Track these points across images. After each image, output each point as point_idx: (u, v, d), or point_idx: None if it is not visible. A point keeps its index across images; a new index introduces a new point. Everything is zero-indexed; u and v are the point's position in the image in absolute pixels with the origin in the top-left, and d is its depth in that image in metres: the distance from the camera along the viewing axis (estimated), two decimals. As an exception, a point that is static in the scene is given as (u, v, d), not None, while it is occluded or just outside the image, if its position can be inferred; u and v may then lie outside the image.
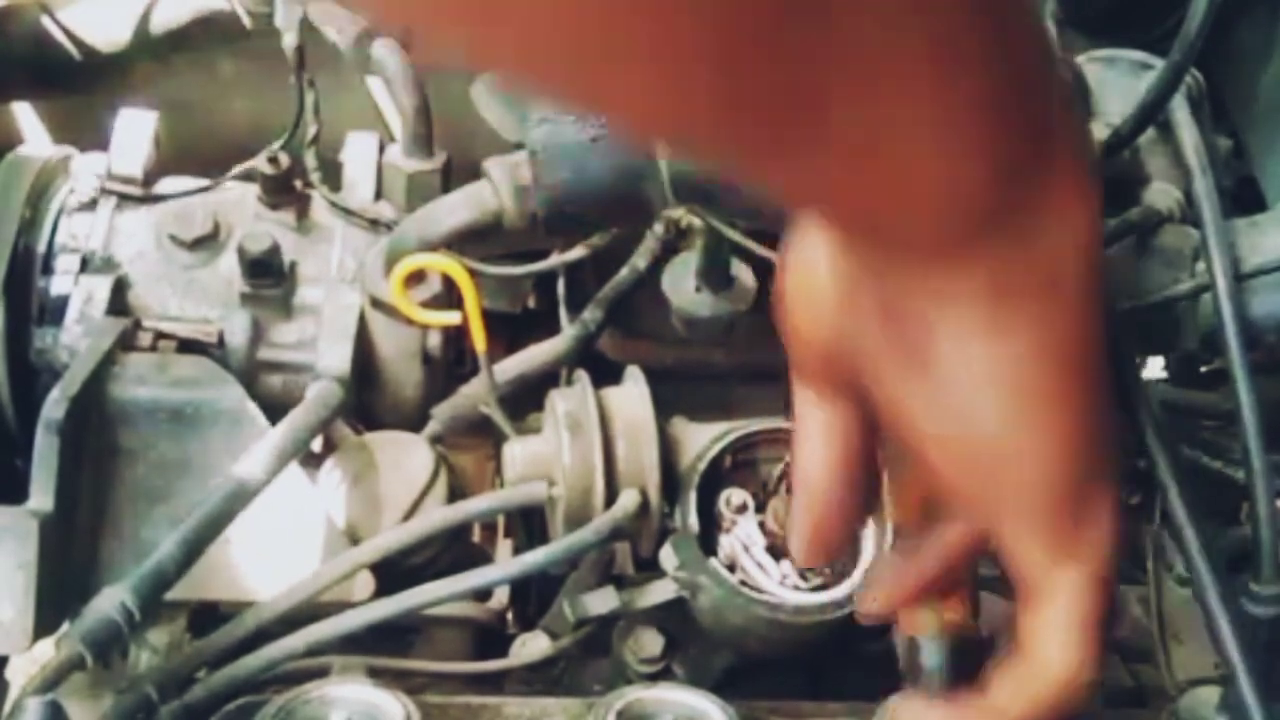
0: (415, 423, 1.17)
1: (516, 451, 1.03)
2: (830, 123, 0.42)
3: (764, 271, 1.25)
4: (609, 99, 0.41)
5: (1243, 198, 1.07)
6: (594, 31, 0.36)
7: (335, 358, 1.13)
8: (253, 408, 1.05)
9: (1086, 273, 0.51)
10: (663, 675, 0.98)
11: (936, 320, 0.51)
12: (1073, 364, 0.52)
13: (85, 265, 1.16)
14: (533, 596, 1.13)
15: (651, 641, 0.99)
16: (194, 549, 0.93)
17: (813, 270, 0.58)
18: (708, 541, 0.94)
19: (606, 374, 1.06)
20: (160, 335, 1.11)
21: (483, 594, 1.06)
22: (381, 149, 1.26)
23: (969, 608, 0.71)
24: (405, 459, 1.09)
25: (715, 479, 0.97)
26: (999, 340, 0.51)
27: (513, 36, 0.37)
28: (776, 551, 0.94)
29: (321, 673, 0.91)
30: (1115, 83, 1.06)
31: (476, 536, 1.20)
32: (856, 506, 0.64)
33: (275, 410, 1.06)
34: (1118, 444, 0.58)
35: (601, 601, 0.97)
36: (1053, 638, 0.58)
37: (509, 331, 1.31)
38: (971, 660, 0.68)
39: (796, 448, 0.64)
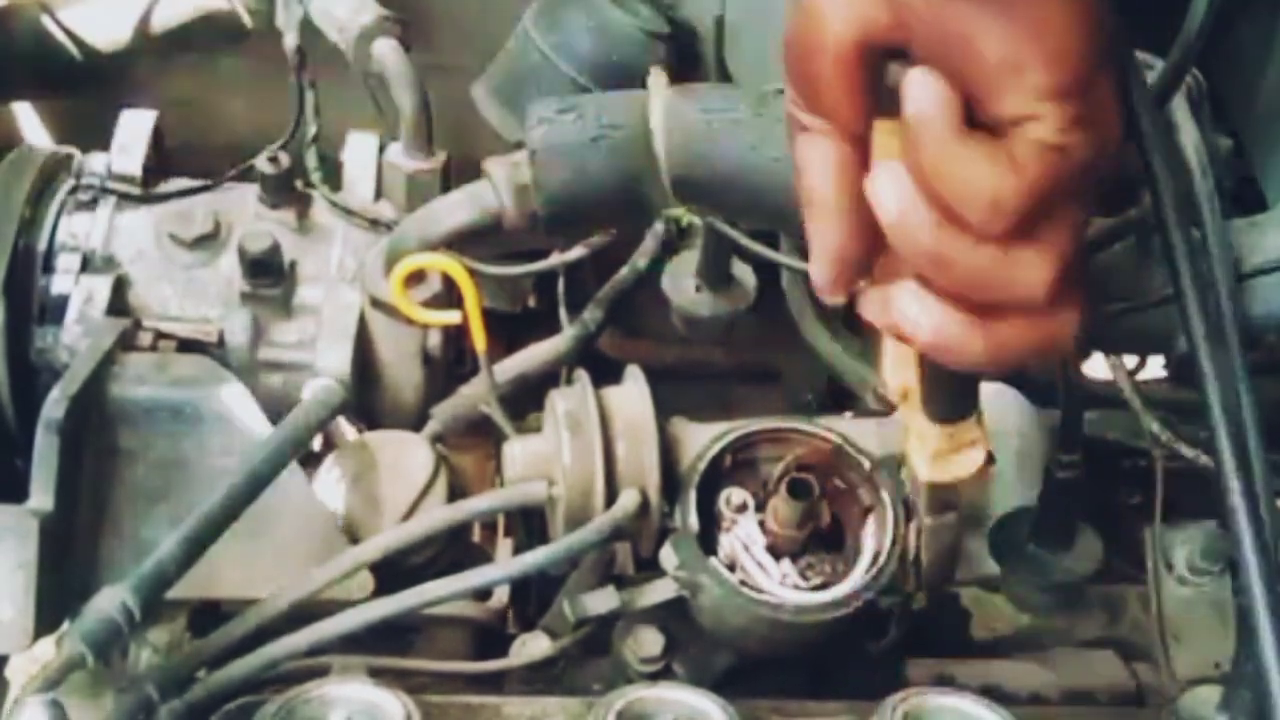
0: (415, 422, 1.17)
1: (516, 451, 1.03)
2: None
3: (764, 271, 1.26)
4: None
5: (1243, 198, 1.07)
6: None
7: (335, 357, 1.13)
8: (253, 408, 1.05)
9: None
10: (663, 675, 0.98)
11: None
12: None
13: (85, 265, 1.16)
14: (533, 596, 1.13)
15: (651, 641, 0.99)
16: (194, 549, 0.93)
17: None
18: (708, 541, 0.94)
19: (606, 374, 1.07)
20: (160, 335, 1.11)
21: (483, 594, 1.06)
22: (381, 149, 1.26)
23: None
24: (405, 459, 1.09)
25: (715, 479, 0.96)
26: None
27: None
28: (776, 551, 0.94)
29: (321, 673, 0.91)
30: (1115, 83, 1.06)
31: (476, 536, 1.20)
32: (870, 227, 0.62)
33: (275, 410, 1.06)
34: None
35: (601, 601, 0.97)
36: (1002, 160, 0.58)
37: (509, 331, 1.31)
38: None
39: (804, 176, 0.63)
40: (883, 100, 0.62)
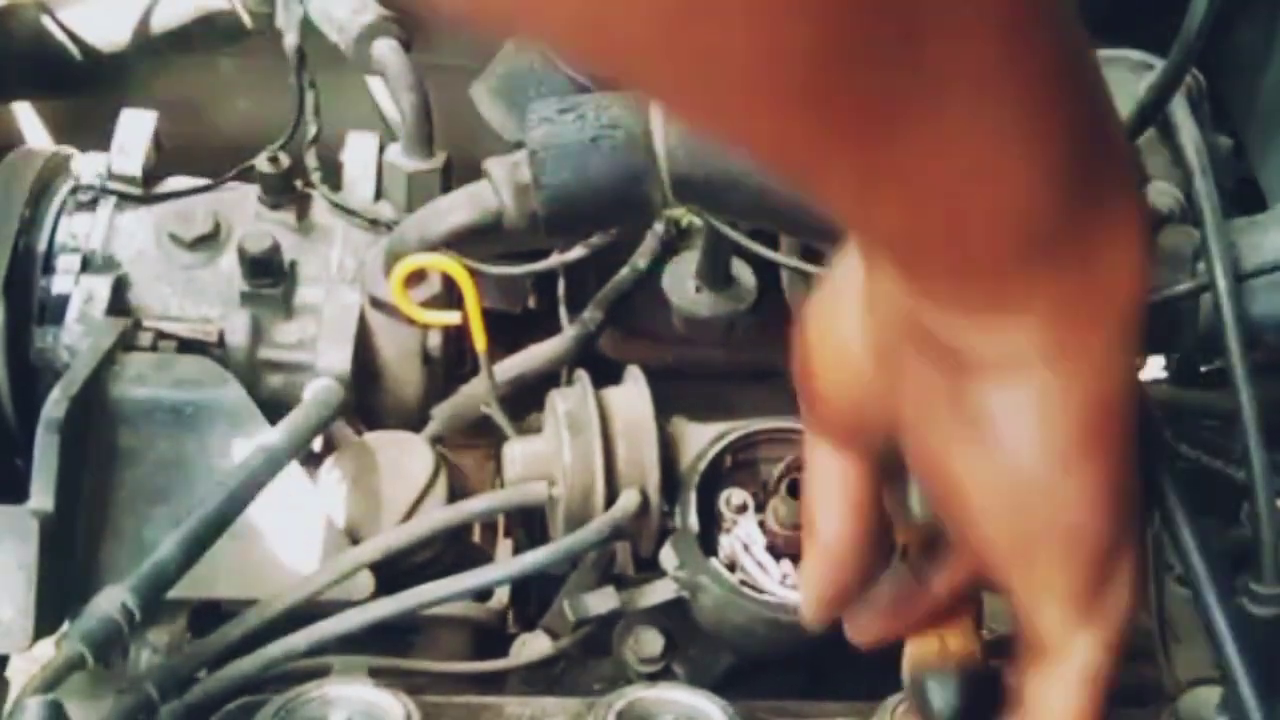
0: (415, 423, 1.17)
1: (516, 451, 1.03)
2: (904, 130, 0.42)
3: (764, 271, 1.25)
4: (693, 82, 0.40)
5: (1243, 198, 1.07)
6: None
7: (335, 358, 1.13)
8: (253, 408, 1.05)
9: (1137, 307, 0.50)
10: (663, 675, 0.98)
11: (989, 370, 0.50)
12: (1121, 415, 0.51)
13: (86, 265, 1.16)
14: (533, 596, 1.13)
15: (651, 641, 0.99)
16: (194, 549, 0.93)
17: (841, 322, 0.56)
18: (708, 541, 0.94)
19: (606, 374, 1.06)
20: (160, 335, 1.11)
21: (483, 594, 1.06)
22: (381, 149, 1.26)
23: (974, 634, 0.68)
24: (405, 459, 1.09)
25: (715, 479, 0.96)
26: (1055, 388, 0.50)
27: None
28: (776, 551, 0.94)
29: (321, 673, 0.91)
30: (1115, 83, 1.06)
31: (476, 536, 1.20)
32: (874, 563, 0.62)
33: (275, 410, 1.06)
34: (1142, 503, 0.56)
35: (601, 601, 0.97)
36: (1058, 699, 0.57)
37: (509, 331, 1.31)
38: (979, 692, 0.67)
39: (812, 505, 0.62)
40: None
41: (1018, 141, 0.44)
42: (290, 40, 1.27)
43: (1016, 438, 0.50)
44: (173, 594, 0.93)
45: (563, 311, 1.26)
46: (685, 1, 0.36)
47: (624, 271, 1.26)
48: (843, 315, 0.56)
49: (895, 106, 0.41)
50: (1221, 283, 0.89)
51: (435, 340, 1.18)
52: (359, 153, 1.28)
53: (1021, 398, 0.50)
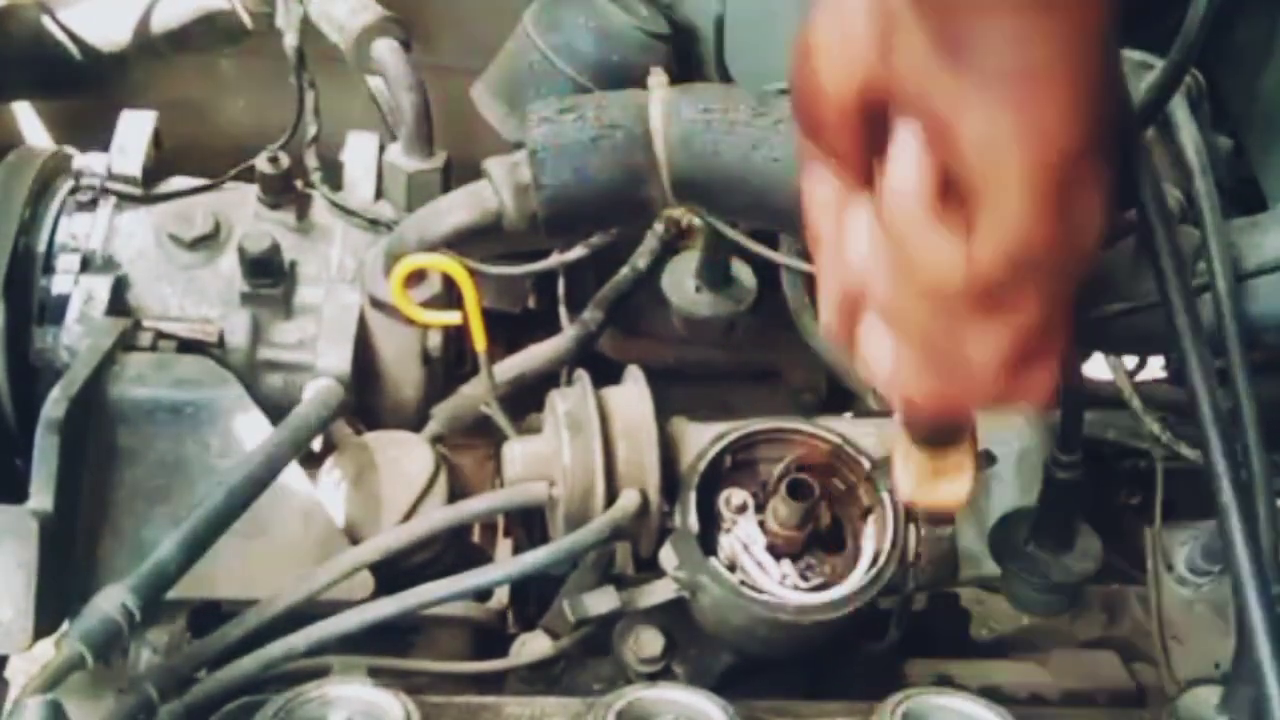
0: (415, 423, 1.17)
1: (516, 451, 1.03)
2: None
3: (764, 271, 1.26)
4: None
5: (1243, 198, 1.07)
6: None
7: (335, 358, 1.13)
8: (253, 408, 1.05)
9: None
10: (663, 675, 0.98)
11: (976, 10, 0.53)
12: (1088, 45, 0.56)
13: (85, 265, 1.16)
14: (533, 596, 1.13)
15: (651, 641, 0.99)
16: (194, 548, 0.93)
17: (848, 11, 0.59)
18: (708, 541, 0.94)
19: (606, 374, 1.07)
20: (160, 335, 1.11)
21: (483, 594, 1.06)
22: (381, 149, 1.26)
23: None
24: (405, 459, 1.09)
25: (715, 479, 0.96)
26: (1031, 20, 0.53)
27: None
28: (776, 552, 0.94)
29: (321, 673, 0.91)
30: (1115, 83, 1.06)
31: (476, 537, 1.20)
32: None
33: (275, 410, 1.06)
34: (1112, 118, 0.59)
35: (601, 601, 0.97)
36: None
37: (509, 331, 1.31)
38: None
39: (809, 211, 0.64)
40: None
41: None
42: (290, 40, 1.27)
43: (998, 59, 0.54)
44: (173, 594, 0.93)
45: (563, 311, 1.26)
46: None
47: (624, 271, 1.26)
48: (849, 8, 0.59)
49: None
50: (1221, 283, 0.89)
51: (435, 340, 1.18)
52: (359, 153, 1.28)
53: (999, 26, 0.54)
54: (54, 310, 1.13)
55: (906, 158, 0.58)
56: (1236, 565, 0.72)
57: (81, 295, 1.13)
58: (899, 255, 0.59)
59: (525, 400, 1.14)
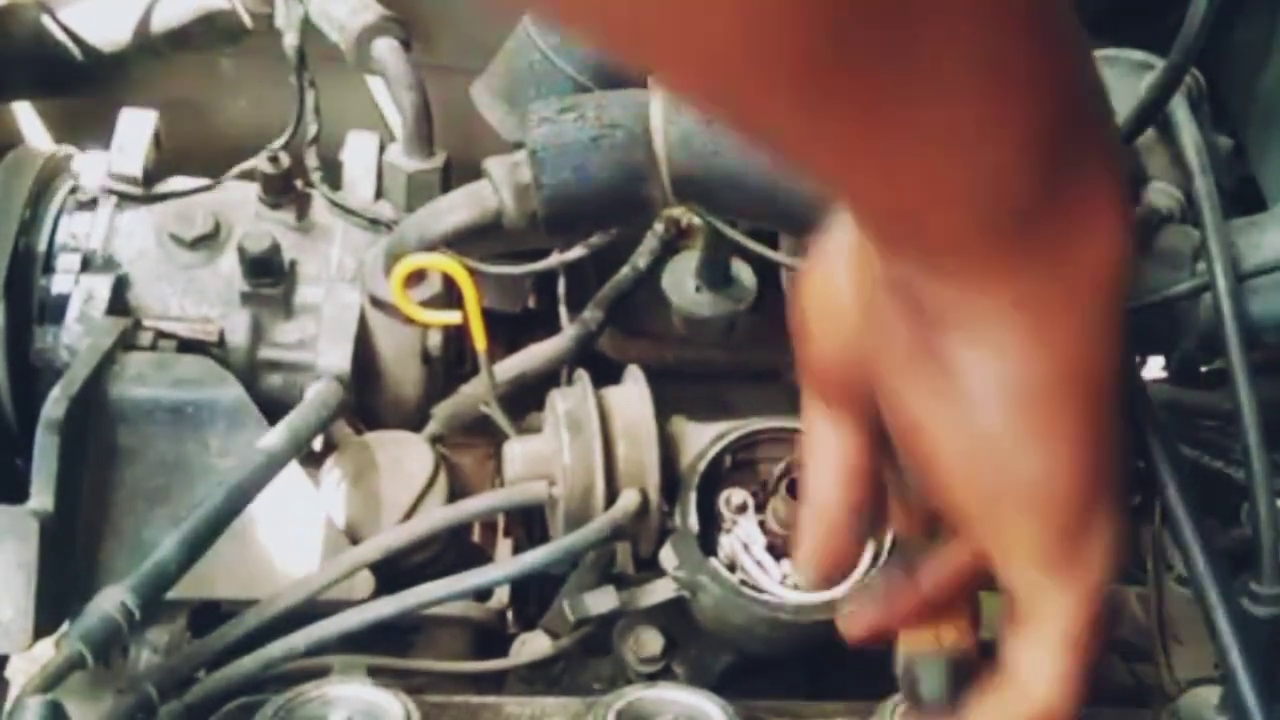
0: (415, 422, 1.17)
1: (516, 451, 1.03)
2: (881, 105, 0.43)
3: (764, 271, 1.26)
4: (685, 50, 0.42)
5: (1243, 198, 1.07)
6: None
7: (335, 357, 1.13)
8: (253, 408, 1.05)
9: (1115, 289, 0.51)
10: (663, 675, 0.98)
11: (961, 329, 0.51)
12: (1092, 384, 0.52)
13: (86, 265, 1.16)
14: (533, 596, 1.13)
15: (651, 641, 0.99)
16: (194, 549, 0.93)
17: (834, 281, 0.58)
18: (708, 541, 0.94)
19: (606, 374, 1.06)
20: (160, 335, 1.11)
21: (483, 594, 1.06)
22: (381, 149, 1.26)
23: (970, 628, 0.68)
24: (405, 458, 1.09)
25: (715, 479, 0.96)
26: (1023, 353, 0.51)
27: None
28: (776, 551, 0.94)
29: (321, 673, 0.91)
30: (1115, 83, 1.06)
31: (476, 536, 1.20)
32: (864, 528, 0.63)
33: (275, 410, 1.06)
34: (1124, 463, 0.57)
35: (601, 601, 0.97)
36: (1037, 661, 0.56)
37: (509, 331, 1.31)
38: (972, 683, 0.67)
39: (807, 465, 0.63)
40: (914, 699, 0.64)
41: (991, 117, 0.44)
42: (290, 40, 1.27)
43: (984, 395, 0.52)
44: (173, 594, 0.93)
45: (563, 311, 1.26)
46: None
47: (624, 271, 1.26)
48: (834, 275, 0.58)
49: (875, 82, 0.42)
50: (1221, 283, 0.89)
51: (435, 340, 1.18)
52: (359, 153, 1.28)
53: (990, 356, 0.51)
54: (54, 310, 1.13)
55: None
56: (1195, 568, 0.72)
57: (81, 295, 1.13)
58: None
59: (525, 400, 1.14)
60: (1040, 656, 0.56)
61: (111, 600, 0.88)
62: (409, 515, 1.06)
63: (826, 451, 0.62)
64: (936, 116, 0.43)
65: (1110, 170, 0.50)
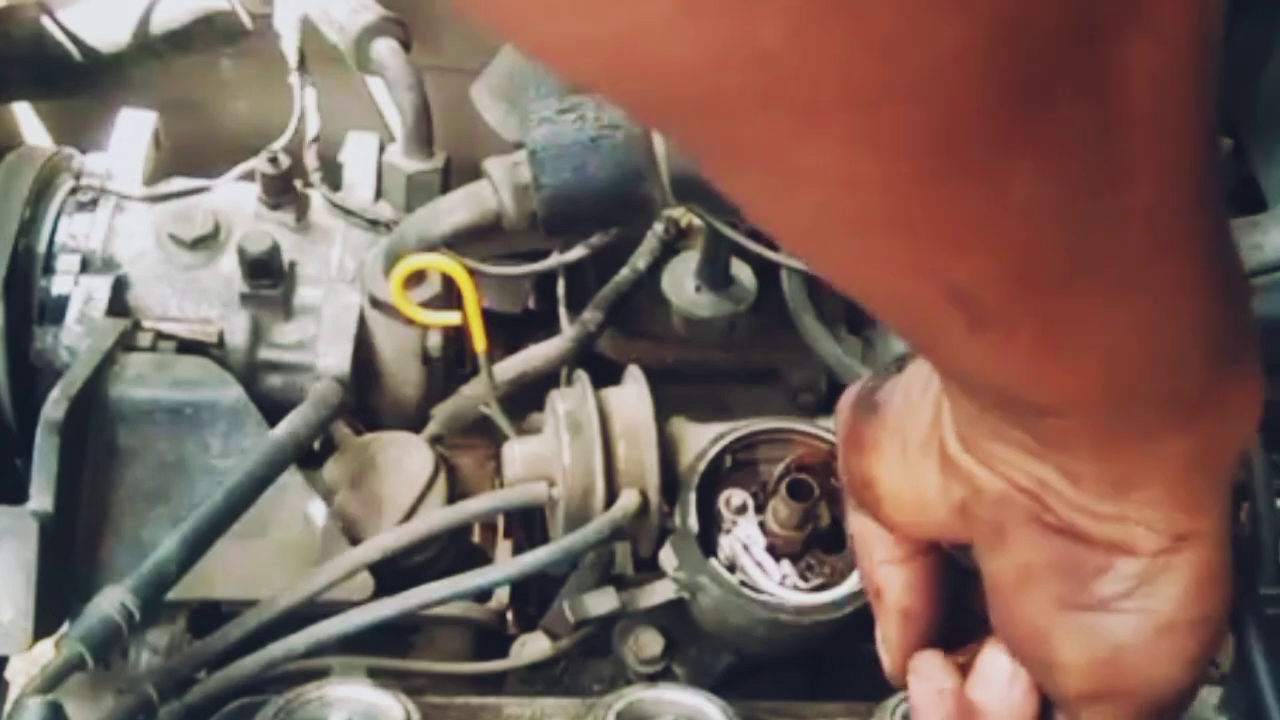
0: (415, 423, 1.17)
1: (516, 451, 1.03)
2: (1084, 278, 0.41)
3: (764, 272, 1.26)
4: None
5: (1243, 198, 1.07)
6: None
7: (335, 358, 1.13)
8: (253, 408, 1.05)
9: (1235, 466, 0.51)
10: (663, 675, 0.98)
11: (1107, 537, 0.50)
12: (1224, 577, 0.52)
13: (85, 265, 1.16)
14: (533, 596, 1.13)
15: (651, 641, 0.99)
16: (194, 549, 0.93)
17: (912, 463, 0.55)
18: (708, 541, 0.94)
19: (606, 374, 1.06)
20: (160, 335, 1.11)
21: (483, 595, 1.06)
22: (381, 149, 1.26)
23: None
24: (405, 459, 1.09)
25: (715, 479, 0.96)
26: (1168, 557, 0.50)
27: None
28: (776, 552, 0.94)
29: (321, 673, 0.91)
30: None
31: (476, 537, 1.20)
32: (944, 616, 0.62)
33: (275, 410, 1.06)
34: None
35: (601, 602, 0.97)
36: None
37: (509, 331, 1.31)
38: None
39: (874, 573, 0.61)
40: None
41: (1182, 293, 0.44)
42: (290, 40, 1.27)
43: (1122, 607, 0.51)
44: (173, 594, 0.93)
45: (563, 312, 1.26)
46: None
47: (624, 271, 1.26)
48: (912, 457, 0.55)
49: (1079, 252, 0.40)
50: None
51: (435, 340, 1.18)
52: (359, 153, 1.28)
53: (1133, 572, 0.50)
54: (54, 310, 1.13)
55: (998, 690, 0.56)
56: None
57: (81, 295, 1.13)
58: None
59: (525, 400, 1.14)
60: None
61: (111, 601, 0.88)
62: (409, 516, 1.06)
63: (884, 547, 0.60)
64: (1132, 282, 0.42)
65: (1255, 348, 0.49)
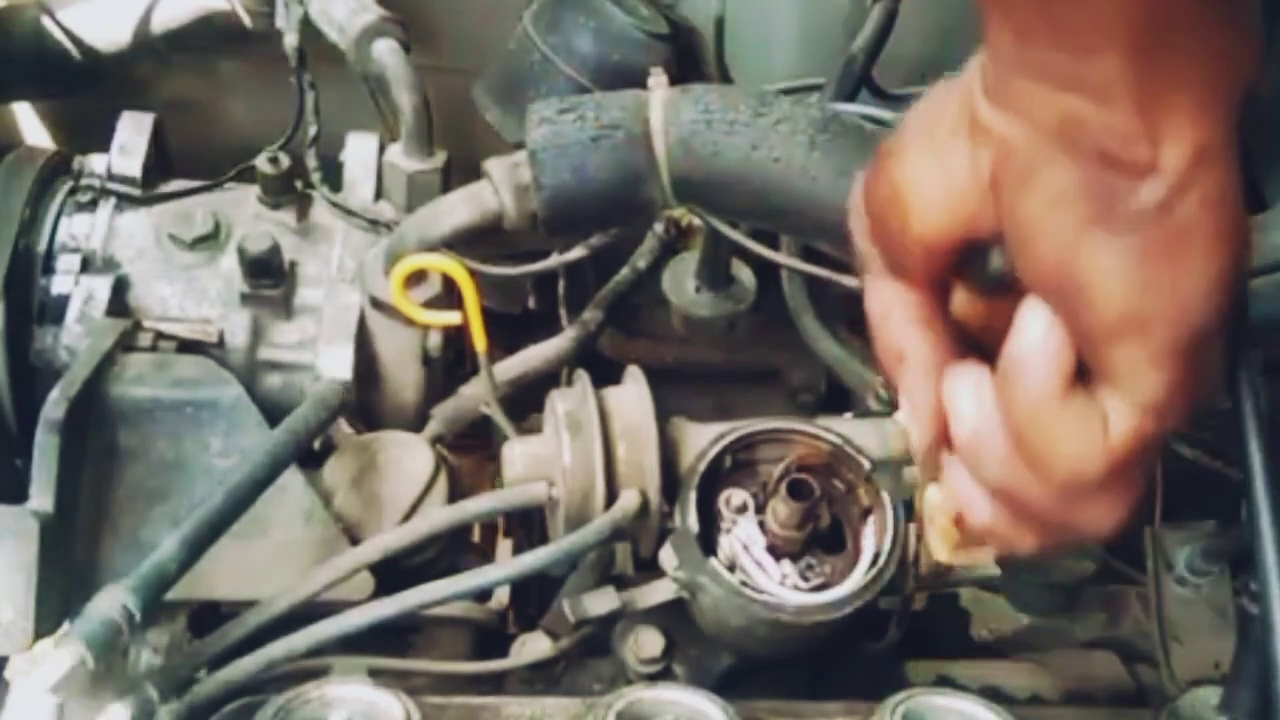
0: (415, 423, 1.17)
1: (516, 451, 1.03)
2: None
3: (764, 272, 1.26)
4: None
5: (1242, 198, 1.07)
6: None
7: (335, 358, 1.13)
8: (253, 408, 1.05)
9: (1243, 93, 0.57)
10: (663, 676, 0.98)
11: (1136, 158, 0.53)
12: (1235, 200, 0.57)
13: (85, 265, 1.16)
14: (533, 597, 1.13)
15: (651, 641, 0.99)
16: (194, 549, 0.93)
17: (940, 148, 0.58)
18: (708, 541, 0.94)
19: (606, 374, 1.07)
20: (160, 335, 1.11)
21: (483, 594, 1.06)
22: (381, 149, 1.27)
23: None
24: (406, 459, 1.09)
25: (715, 479, 0.96)
26: (1191, 175, 0.54)
27: None
28: (776, 552, 0.94)
29: (321, 673, 0.91)
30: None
31: (476, 537, 1.20)
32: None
33: (275, 410, 1.06)
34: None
35: (601, 602, 0.97)
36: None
37: (509, 331, 1.31)
38: None
39: (885, 329, 0.63)
40: (980, 277, 0.60)
41: None
42: (290, 40, 1.27)
43: (1149, 225, 0.54)
44: (173, 594, 0.93)
45: (563, 312, 1.26)
46: None
47: (624, 271, 1.26)
48: (941, 143, 0.58)
49: None
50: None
51: (435, 340, 1.18)
52: (359, 153, 1.28)
53: (1158, 191, 0.54)
54: (54, 310, 1.13)
55: (1037, 331, 0.57)
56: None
57: (81, 295, 1.13)
58: (1020, 435, 0.57)
59: (525, 400, 1.14)
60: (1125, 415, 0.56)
61: (111, 601, 0.88)
62: (409, 516, 1.06)
63: (909, 313, 0.62)
64: None
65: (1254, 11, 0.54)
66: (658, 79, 1.02)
